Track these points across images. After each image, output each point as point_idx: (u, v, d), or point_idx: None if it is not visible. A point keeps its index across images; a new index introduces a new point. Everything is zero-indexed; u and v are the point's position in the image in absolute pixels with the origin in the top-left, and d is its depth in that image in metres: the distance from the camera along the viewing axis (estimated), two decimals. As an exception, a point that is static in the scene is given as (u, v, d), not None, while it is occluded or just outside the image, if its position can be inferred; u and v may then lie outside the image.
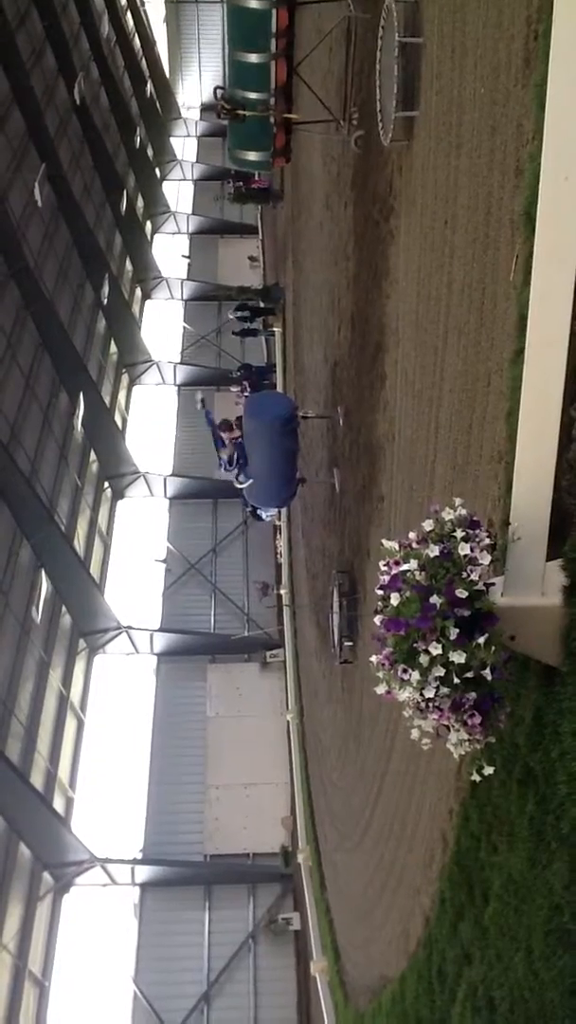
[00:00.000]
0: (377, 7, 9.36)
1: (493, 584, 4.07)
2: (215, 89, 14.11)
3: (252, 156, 14.15)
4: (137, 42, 45.24)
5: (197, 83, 51.62)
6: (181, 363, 36.58)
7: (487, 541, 4.02)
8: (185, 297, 40.13)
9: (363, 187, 12.09)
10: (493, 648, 3.88)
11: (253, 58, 12.80)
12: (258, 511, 22.48)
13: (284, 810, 23.57)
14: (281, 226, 32.68)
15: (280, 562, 27.27)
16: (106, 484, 30.40)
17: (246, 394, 27.16)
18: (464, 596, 3.85)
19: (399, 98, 8.34)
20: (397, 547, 4.16)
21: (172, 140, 49.03)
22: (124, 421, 33.69)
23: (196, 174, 48.00)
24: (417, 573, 3.99)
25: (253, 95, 13.09)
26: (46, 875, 20.99)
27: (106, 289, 31.50)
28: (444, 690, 3.90)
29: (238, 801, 24.03)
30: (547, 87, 4.06)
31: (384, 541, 4.25)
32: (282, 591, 25.85)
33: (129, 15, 44.51)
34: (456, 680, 3.87)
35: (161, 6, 49.62)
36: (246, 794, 24.15)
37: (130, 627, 26.67)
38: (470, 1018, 6.10)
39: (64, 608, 24.58)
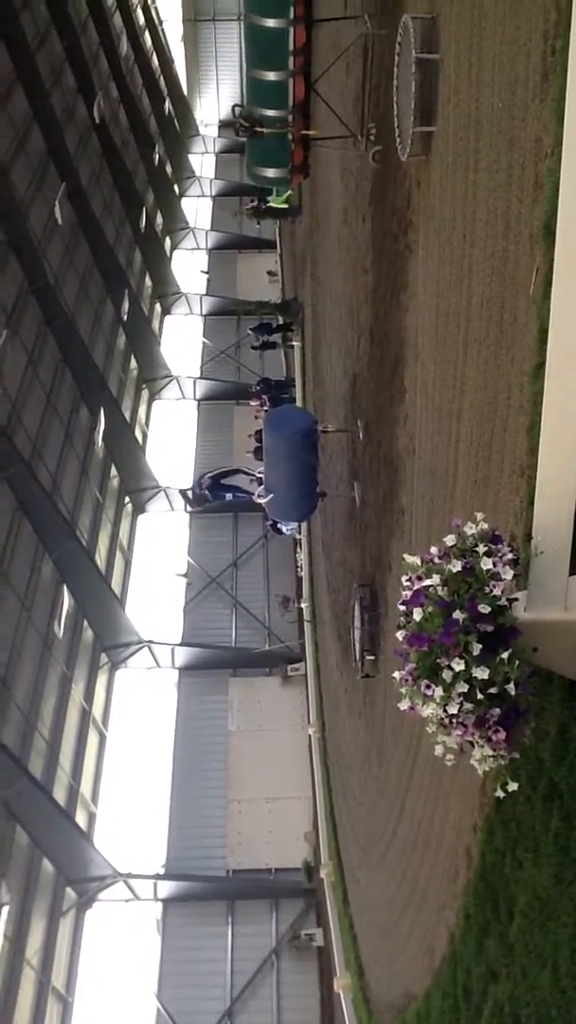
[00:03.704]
0: (394, 24, 9.41)
1: (516, 599, 4.06)
2: (233, 107, 14.22)
3: (270, 173, 14.23)
4: (155, 60, 45.66)
5: (215, 100, 51.99)
6: (201, 378, 36.71)
7: (509, 556, 4.02)
8: (204, 312, 40.31)
9: (381, 201, 12.13)
10: (517, 663, 3.86)
11: (271, 76, 12.88)
12: (278, 525, 22.54)
13: (307, 825, 23.46)
14: (299, 241, 32.80)
15: (301, 576, 27.24)
16: (127, 499, 30.49)
17: (265, 408, 27.28)
18: (487, 611, 3.85)
19: (416, 113, 8.38)
20: (419, 562, 4.17)
21: (190, 157, 49.35)
22: (144, 436, 33.82)
23: (214, 190, 48.29)
24: (439, 588, 3.99)
25: (271, 112, 13.17)
26: (69, 890, 20.97)
27: (126, 305, 31.69)
28: (468, 706, 3.89)
29: (260, 815, 23.95)
30: (565, 101, 4.07)
31: (406, 556, 4.25)
32: (303, 605, 25.82)
33: (147, 34, 44.93)
34: (480, 696, 3.86)
35: (179, 25, 50.09)
36: (268, 808, 24.07)
37: (151, 641, 26.69)
38: (496, 1036, 6.05)
39: (86, 623, 24.64)
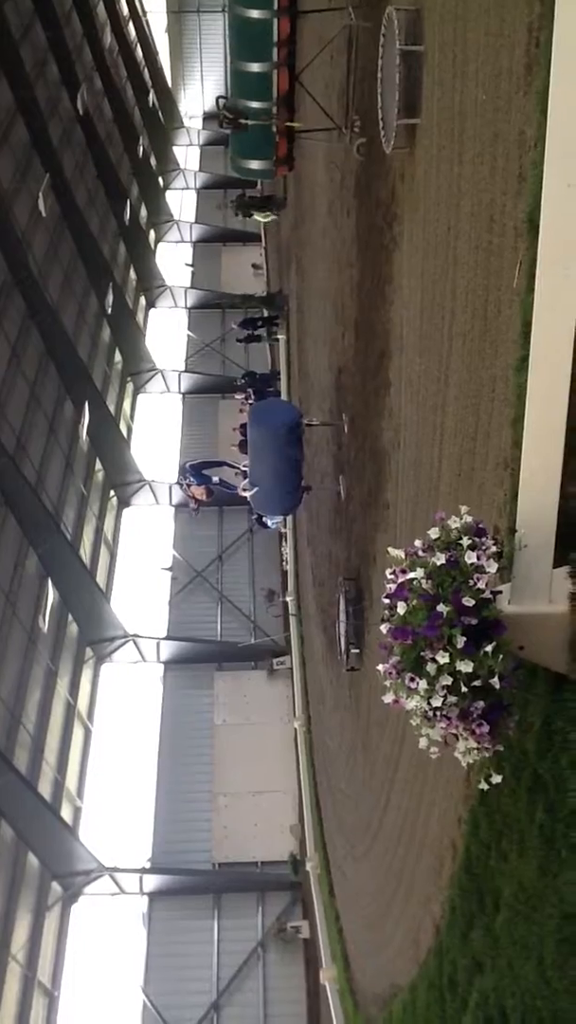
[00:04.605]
0: (378, 16, 9.38)
1: (500, 592, 4.06)
2: (217, 99, 14.17)
3: (255, 165, 14.19)
4: (139, 52, 45.39)
5: (199, 92, 51.75)
6: (185, 371, 36.64)
7: (493, 549, 4.02)
8: (189, 305, 40.21)
9: (366, 194, 12.11)
10: (501, 656, 3.86)
11: (255, 67, 12.84)
12: (264, 519, 22.50)
13: (292, 818, 23.51)
14: (284, 234, 32.74)
15: (286, 569, 27.26)
16: (112, 492, 30.41)
17: (250, 402, 27.24)
18: (471, 604, 3.85)
19: (401, 106, 8.36)
20: (403, 555, 4.16)
21: (175, 149, 49.17)
22: (129, 429, 33.73)
23: (199, 183, 48.14)
24: (423, 582, 3.98)
25: (255, 104, 13.14)
26: (55, 885, 20.96)
27: (110, 298, 31.56)
28: (452, 699, 3.89)
29: (246, 809, 23.98)
30: (549, 94, 4.06)
31: (390, 549, 4.25)
32: (288, 598, 25.83)
33: (131, 25, 44.67)
34: (464, 689, 3.87)
35: (163, 16, 49.82)
36: (254, 802, 24.09)
37: (137, 635, 26.66)
38: (481, 1027, 6.07)
39: (71, 617, 24.59)
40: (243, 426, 22.07)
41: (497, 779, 4.18)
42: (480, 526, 4.14)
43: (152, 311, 39.74)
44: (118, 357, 33.62)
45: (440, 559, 3.97)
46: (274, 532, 27.90)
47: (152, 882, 22.45)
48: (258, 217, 34.23)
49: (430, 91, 7.83)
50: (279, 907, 22.55)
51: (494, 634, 3.90)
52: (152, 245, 41.54)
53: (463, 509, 4.17)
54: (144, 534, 30.68)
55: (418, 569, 4.03)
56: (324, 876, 18.22)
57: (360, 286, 12.80)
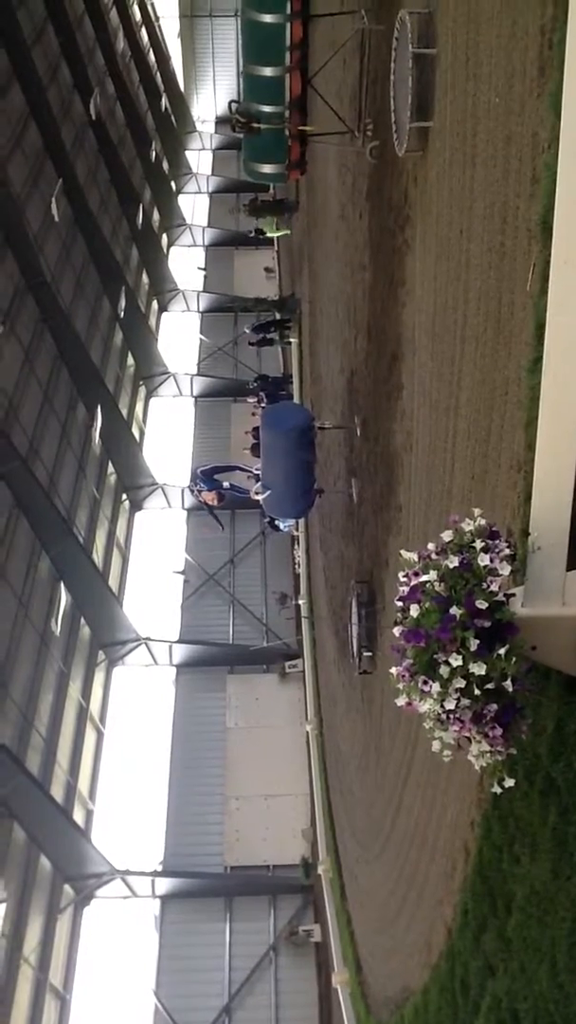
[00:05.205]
0: (391, 19, 9.39)
1: (513, 595, 4.05)
2: (230, 103, 14.15)
3: (267, 169, 14.18)
4: (152, 57, 45.56)
5: (212, 96, 51.91)
6: (198, 375, 36.70)
7: (507, 551, 4.01)
8: (201, 309, 40.28)
9: (378, 197, 12.12)
10: (514, 659, 3.85)
11: (267, 71, 12.84)
12: (276, 522, 22.51)
13: (304, 821, 23.48)
14: (296, 237, 32.77)
15: (298, 572, 27.25)
16: (124, 496, 30.49)
17: (263, 405, 27.27)
18: (484, 607, 3.84)
19: (413, 108, 8.36)
20: (416, 558, 4.15)
21: (187, 153, 49.29)
22: (142, 433, 33.80)
23: (211, 187, 48.24)
24: (436, 584, 3.98)
25: (268, 108, 13.12)
26: (67, 888, 20.98)
27: (123, 302, 31.65)
28: (465, 702, 3.89)
29: (258, 812, 23.97)
30: (562, 95, 4.06)
31: (403, 552, 4.24)
32: (301, 601, 25.82)
33: (144, 30, 44.85)
34: (477, 691, 3.86)
35: (176, 21, 49.98)
36: (266, 805, 24.09)
37: (149, 639, 26.70)
38: (494, 1032, 6.05)
39: (83, 620, 24.64)
40: (255, 429, 22.10)
41: (510, 782, 4.16)
42: (493, 529, 4.13)
43: (164, 315, 39.84)
44: (130, 361, 33.71)
45: (453, 562, 3.97)
46: (286, 535, 27.91)
47: (164, 885, 22.45)
48: (270, 233, 34.24)
49: (443, 94, 7.83)
50: (291, 911, 22.52)
51: (507, 637, 3.89)
52: (164, 249, 41.65)
53: (476, 512, 4.16)
54: (156, 537, 30.74)
55: (431, 572, 4.03)
56: (336, 879, 18.19)
57: (372, 289, 12.81)
